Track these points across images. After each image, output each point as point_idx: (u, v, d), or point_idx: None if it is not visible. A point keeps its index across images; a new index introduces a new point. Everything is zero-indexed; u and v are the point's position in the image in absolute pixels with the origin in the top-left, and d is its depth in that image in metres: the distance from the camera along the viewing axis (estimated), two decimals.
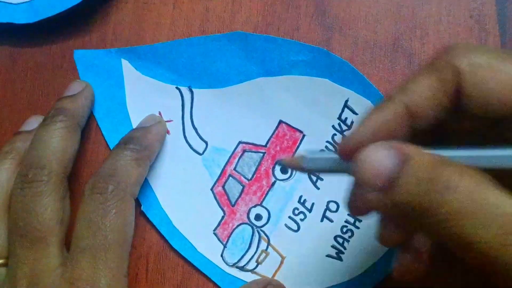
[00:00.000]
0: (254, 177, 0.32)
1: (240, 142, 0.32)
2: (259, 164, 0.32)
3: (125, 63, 0.33)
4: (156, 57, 0.33)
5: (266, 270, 0.31)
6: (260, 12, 0.33)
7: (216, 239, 0.31)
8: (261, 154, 0.32)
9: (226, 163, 0.32)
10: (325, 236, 0.31)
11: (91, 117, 0.32)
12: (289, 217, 0.31)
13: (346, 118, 0.31)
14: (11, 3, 0.33)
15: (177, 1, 0.34)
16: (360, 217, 0.31)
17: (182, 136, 0.32)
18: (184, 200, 0.31)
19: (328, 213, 0.31)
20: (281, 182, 0.31)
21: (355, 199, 0.22)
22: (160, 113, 0.32)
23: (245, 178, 0.32)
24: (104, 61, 0.33)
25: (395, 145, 0.19)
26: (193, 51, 0.32)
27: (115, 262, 0.26)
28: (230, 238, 0.31)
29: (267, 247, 0.31)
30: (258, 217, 0.31)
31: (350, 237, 0.31)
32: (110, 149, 0.32)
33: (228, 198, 0.31)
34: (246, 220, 0.31)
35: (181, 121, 0.32)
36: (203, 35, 0.33)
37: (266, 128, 0.32)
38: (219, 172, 0.32)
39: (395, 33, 0.32)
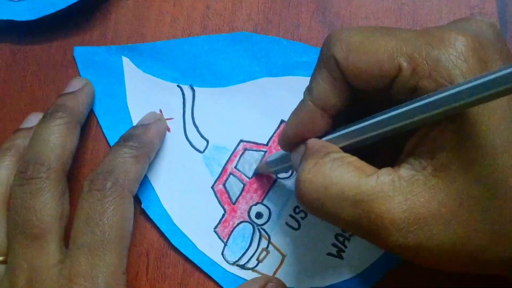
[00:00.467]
0: (255, 175, 0.31)
1: (241, 141, 0.32)
2: (260, 162, 0.31)
3: (125, 60, 0.33)
4: (158, 55, 0.33)
5: (267, 268, 0.31)
6: (261, 9, 0.33)
7: (217, 237, 0.31)
8: (263, 153, 0.32)
9: (227, 161, 0.32)
10: (326, 235, 0.31)
11: (91, 114, 0.32)
12: (290, 215, 0.31)
13: None
14: (12, 0, 0.33)
15: None
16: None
17: (183, 134, 0.32)
18: (185, 198, 0.31)
19: None
20: (282, 180, 0.31)
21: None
22: (160, 111, 0.32)
23: (246, 176, 0.31)
24: (105, 58, 0.33)
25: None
26: (196, 50, 0.32)
27: (114, 258, 0.26)
28: (231, 236, 0.31)
29: (268, 245, 0.31)
30: (258, 215, 0.31)
31: (351, 235, 0.30)
32: (110, 146, 0.32)
33: (229, 196, 0.31)
34: (247, 218, 0.31)
35: (182, 119, 0.32)
36: (205, 34, 0.33)
37: (268, 127, 0.32)
38: (219, 170, 0.32)
39: None
